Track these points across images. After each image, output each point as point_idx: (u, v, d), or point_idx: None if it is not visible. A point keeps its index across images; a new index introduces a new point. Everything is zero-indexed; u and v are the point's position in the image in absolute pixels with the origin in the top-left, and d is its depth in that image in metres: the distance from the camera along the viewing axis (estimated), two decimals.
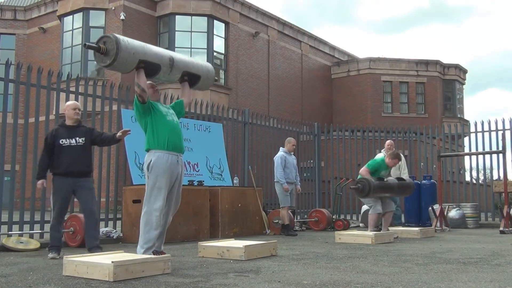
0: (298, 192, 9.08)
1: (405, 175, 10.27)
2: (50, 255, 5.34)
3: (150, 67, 4.82)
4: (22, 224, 6.81)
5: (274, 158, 8.83)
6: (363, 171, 7.89)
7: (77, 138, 5.54)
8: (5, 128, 6.71)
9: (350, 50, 32.90)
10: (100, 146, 6.22)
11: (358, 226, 11.06)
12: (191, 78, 5.32)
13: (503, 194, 10.48)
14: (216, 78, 5.72)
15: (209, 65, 5.68)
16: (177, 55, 5.32)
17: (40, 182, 5.50)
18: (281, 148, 8.92)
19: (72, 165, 5.45)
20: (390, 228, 8.32)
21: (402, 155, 10.25)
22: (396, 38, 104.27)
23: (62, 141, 5.48)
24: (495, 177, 12.94)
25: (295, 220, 9.00)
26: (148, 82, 5.10)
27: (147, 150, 4.90)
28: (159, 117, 4.89)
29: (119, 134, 5.62)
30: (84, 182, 5.54)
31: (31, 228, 6.91)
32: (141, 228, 4.73)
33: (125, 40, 4.59)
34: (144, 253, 4.59)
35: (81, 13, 21.04)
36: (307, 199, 12.50)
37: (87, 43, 4.66)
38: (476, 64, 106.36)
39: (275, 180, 8.68)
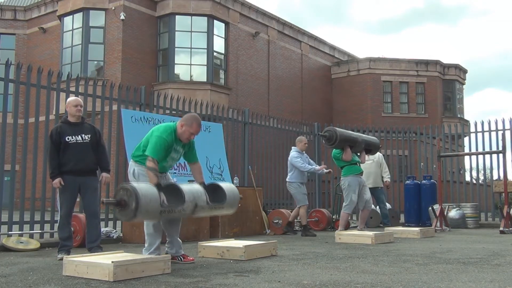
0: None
1: (386, 173, 10.59)
2: (59, 255, 5.19)
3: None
4: (22, 224, 6.81)
5: (289, 159, 8.61)
6: (346, 156, 7.96)
7: (83, 135, 5.45)
8: (5, 128, 6.70)
9: (348, 50, 32.84)
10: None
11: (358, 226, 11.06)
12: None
13: (503, 194, 10.49)
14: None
15: (234, 191, 5.20)
16: (204, 205, 4.70)
17: (57, 180, 5.29)
18: (293, 147, 8.76)
19: (79, 163, 5.36)
20: (389, 229, 8.32)
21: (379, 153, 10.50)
22: (391, 39, 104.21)
23: (68, 138, 5.36)
24: (495, 177, 12.95)
25: (295, 220, 8.98)
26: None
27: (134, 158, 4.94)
28: (167, 153, 4.75)
29: (105, 176, 5.62)
30: (90, 181, 5.49)
31: (31, 228, 6.90)
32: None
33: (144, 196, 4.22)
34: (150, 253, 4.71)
35: (81, 13, 21.02)
36: (307, 199, 12.46)
37: (104, 200, 4.45)
38: (473, 64, 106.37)
39: (288, 180, 8.58)
